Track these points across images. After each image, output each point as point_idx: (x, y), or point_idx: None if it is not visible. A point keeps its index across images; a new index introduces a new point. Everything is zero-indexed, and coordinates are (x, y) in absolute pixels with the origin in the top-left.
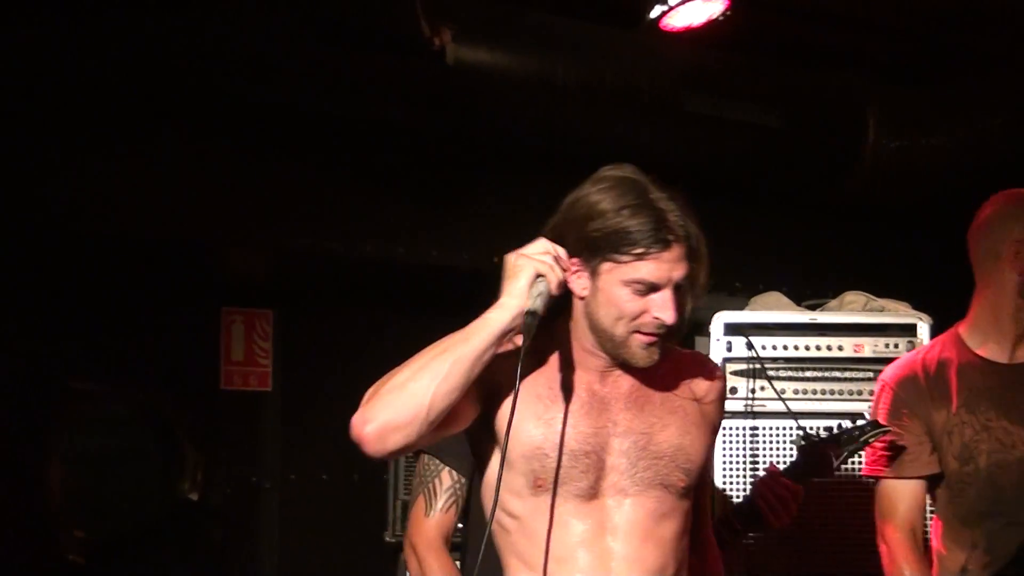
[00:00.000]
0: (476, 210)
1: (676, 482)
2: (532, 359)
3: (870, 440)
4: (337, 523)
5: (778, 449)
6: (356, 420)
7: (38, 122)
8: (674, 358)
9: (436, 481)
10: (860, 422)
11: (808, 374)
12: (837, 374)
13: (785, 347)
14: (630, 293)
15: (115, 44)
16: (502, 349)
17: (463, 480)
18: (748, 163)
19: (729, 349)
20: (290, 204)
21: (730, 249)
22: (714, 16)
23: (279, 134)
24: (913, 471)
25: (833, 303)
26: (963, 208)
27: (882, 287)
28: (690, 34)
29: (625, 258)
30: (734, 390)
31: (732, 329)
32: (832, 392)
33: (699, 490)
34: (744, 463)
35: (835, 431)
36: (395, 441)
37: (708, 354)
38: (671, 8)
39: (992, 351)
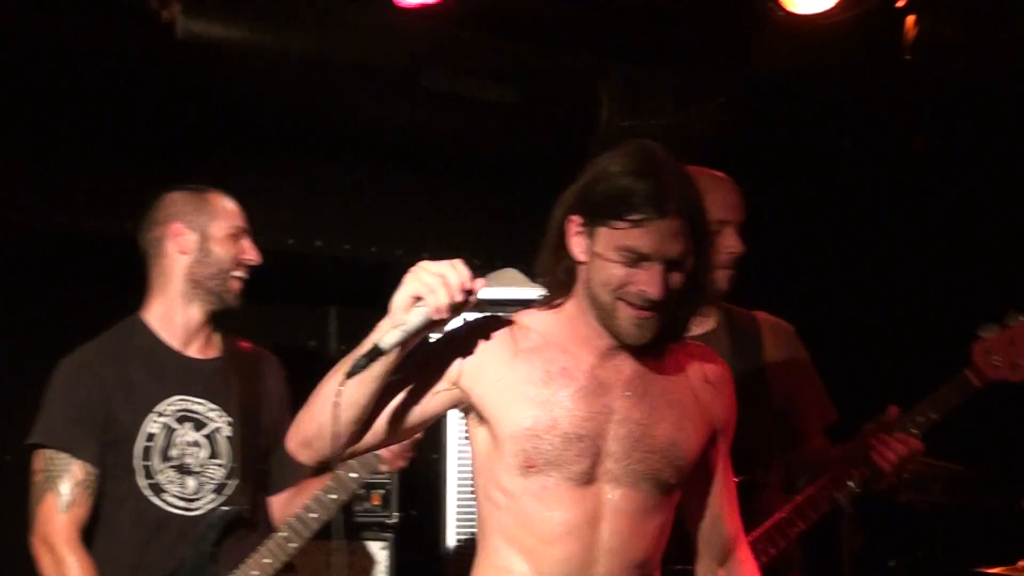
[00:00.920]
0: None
1: (667, 478)
2: (536, 333)
3: None
4: None
5: None
6: (288, 433)
7: None
8: (681, 349)
9: (67, 476)
10: None
11: None
12: None
13: None
14: (619, 260)
15: None
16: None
17: (96, 472)
18: (486, 140)
19: None
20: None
21: (468, 225)
22: None
23: None
24: None
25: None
26: None
27: None
28: (426, 11)
29: (620, 224)
30: None
31: None
32: None
33: (722, 498)
34: None
35: None
36: (309, 456)
37: None
38: None
39: None
